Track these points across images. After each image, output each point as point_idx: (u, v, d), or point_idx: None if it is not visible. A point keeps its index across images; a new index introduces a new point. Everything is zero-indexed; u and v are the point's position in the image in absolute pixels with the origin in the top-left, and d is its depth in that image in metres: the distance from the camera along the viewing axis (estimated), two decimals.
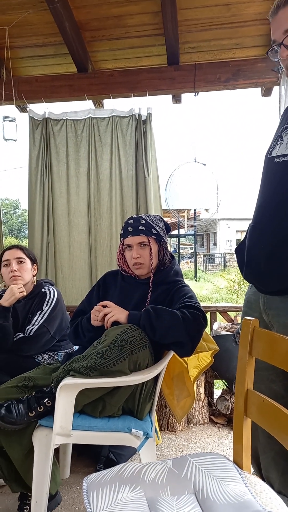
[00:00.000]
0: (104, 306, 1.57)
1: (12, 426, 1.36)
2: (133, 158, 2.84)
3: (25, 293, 1.92)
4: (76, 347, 1.91)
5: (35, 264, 2.06)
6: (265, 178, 1.31)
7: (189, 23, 2.48)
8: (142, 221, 1.67)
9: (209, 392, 2.65)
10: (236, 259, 1.43)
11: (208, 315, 2.86)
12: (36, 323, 1.88)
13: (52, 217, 2.91)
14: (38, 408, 1.39)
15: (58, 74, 2.93)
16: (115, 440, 1.46)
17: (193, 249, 20.58)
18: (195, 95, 2.76)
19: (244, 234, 1.41)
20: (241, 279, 7.02)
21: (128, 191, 2.86)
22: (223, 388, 2.68)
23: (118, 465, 1.09)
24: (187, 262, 22.34)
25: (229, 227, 26.11)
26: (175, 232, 20.40)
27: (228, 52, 2.70)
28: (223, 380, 2.66)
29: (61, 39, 2.63)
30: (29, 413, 1.38)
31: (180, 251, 21.13)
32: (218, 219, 24.75)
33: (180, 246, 21.46)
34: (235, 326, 2.72)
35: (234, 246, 25.34)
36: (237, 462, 1.13)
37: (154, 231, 1.67)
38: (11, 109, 2.97)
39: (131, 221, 1.69)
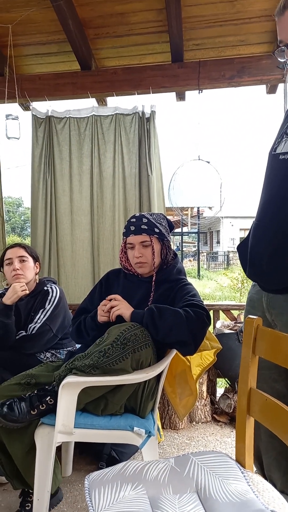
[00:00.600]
0: (111, 299, 1.58)
1: (14, 424, 1.36)
2: (136, 156, 2.83)
3: (27, 292, 1.92)
4: (78, 345, 1.91)
5: (37, 262, 2.05)
6: (269, 175, 1.31)
7: (194, 20, 2.47)
8: (145, 220, 1.67)
9: (211, 390, 2.64)
10: (238, 257, 1.43)
11: (211, 313, 2.84)
12: (39, 321, 1.88)
13: (55, 215, 2.91)
14: (40, 406, 1.39)
15: (62, 72, 2.92)
16: (117, 438, 1.46)
17: (196, 247, 20.55)
18: (199, 92, 2.74)
19: (247, 232, 1.40)
20: (244, 277, 7.01)
21: (131, 189, 2.85)
22: (225, 387, 2.68)
23: (120, 463, 1.09)
24: (190, 260, 22.31)
25: (232, 225, 26.04)
26: (178, 230, 20.38)
27: (232, 49, 2.68)
28: (226, 379, 2.66)
29: (64, 37, 2.62)
30: (31, 411, 1.38)
31: (183, 249, 21.12)
32: (222, 217, 24.68)
33: (184, 244, 21.44)
34: (238, 324, 2.72)
35: (237, 244, 25.21)
36: (240, 461, 1.13)
37: (156, 230, 1.66)
38: (14, 107, 2.97)
39: (134, 219, 1.69)
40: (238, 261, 1.46)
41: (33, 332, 1.86)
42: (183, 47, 2.62)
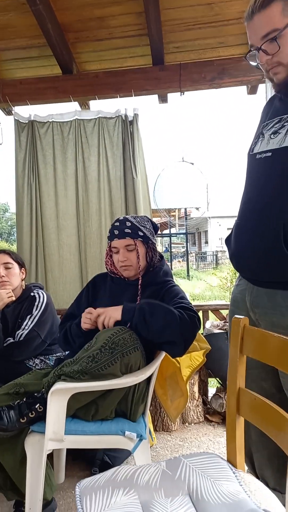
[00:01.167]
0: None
1: (3, 433, 1.35)
2: (120, 159, 2.83)
3: (13, 298, 1.90)
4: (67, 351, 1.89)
5: (23, 268, 2.04)
6: (249, 175, 1.32)
7: (173, 23, 2.48)
8: (128, 224, 1.67)
9: (203, 390, 2.65)
10: (227, 249, 1.44)
11: (200, 314, 2.86)
12: (26, 327, 1.86)
13: (41, 220, 2.88)
14: (30, 414, 1.38)
15: (43, 76, 2.90)
16: (108, 443, 1.46)
17: (185, 248, 20.63)
18: (181, 94, 2.76)
19: None
20: (233, 276, 7.05)
21: (117, 192, 2.84)
22: (217, 387, 2.69)
23: (111, 469, 1.08)
24: (179, 261, 22.38)
25: (220, 225, 26.21)
26: (166, 231, 20.42)
27: (212, 51, 2.70)
28: (217, 378, 2.67)
29: (44, 41, 2.61)
30: (21, 419, 1.36)
31: (172, 250, 21.16)
32: (209, 217, 24.84)
33: (172, 245, 21.49)
34: (227, 324, 2.73)
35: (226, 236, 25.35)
36: (231, 461, 1.13)
37: (140, 233, 1.66)
38: None
39: (117, 223, 1.69)
40: (227, 261, 1.48)
41: (21, 338, 1.84)
42: (163, 50, 2.64)
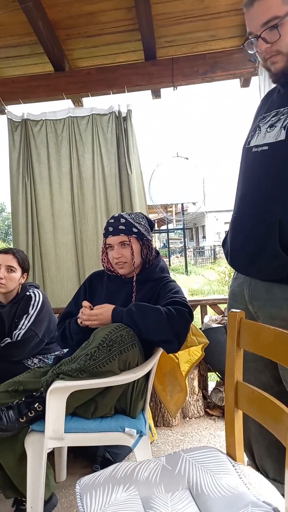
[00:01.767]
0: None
1: (3, 433, 1.35)
2: (115, 155, 2.82)
3: None
4: (66, 350, 1.89)
5: (25, 273, 2.01)
6: (244, 169, 1.32)
7: (163, 17, 2.46)
8: (122, 220, 1.67)
9: (203, 385, 2.66)
10: (223, 251, 1.44)
11: (198, 308, 2.87)
12: (23, 327, 1.86)
13: (36, 219, 2.87)
14: (29, 413, 1.38)
15: (35, 74, 2.88)
16: (109, 440, 1.46)
17: (183, 243, 20.63)
18: (173, 89, 2.74)
19: None
20: (231, 271, 7.05)
21: (112, 189, 2.84)
22: (216, 381, 2.69)
23: (111, 466, 1.09)
24: (177, 257, 22.38)
25: (217, 220, 26.21)
26: (163, 227, 20.42)
27: (204, 45, 2.68)
28: (216, 373, 2.68)
29: (35, 39, 2.59)
30: (20, 419, 1.36)
31: (170, 246, 21.16)
32: (206, 212, 24.83)
33: (170, 241, 21.49)
34: (225, 318, 2.73)
35: (223, 238, 25.39)
36: (231, 454, 1.13)
37: (135, 230, 1.66)
38: None
39: (112, 220, 1.69)
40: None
41: (18, 338, 1.84)
42: (155, 44, 2.62)
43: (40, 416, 1.39)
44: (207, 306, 2.88)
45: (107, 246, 1.70)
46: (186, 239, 21.55)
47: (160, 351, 1.58)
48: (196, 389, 2.53)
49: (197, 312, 2.74)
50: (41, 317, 1.90)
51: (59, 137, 2.86)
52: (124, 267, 1.66)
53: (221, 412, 2.53)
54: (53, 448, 1.52)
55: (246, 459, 1.40)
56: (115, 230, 1.65)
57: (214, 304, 2.88)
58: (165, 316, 1.45)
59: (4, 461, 1.45)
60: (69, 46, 2.72)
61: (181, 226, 19.86)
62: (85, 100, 3.03)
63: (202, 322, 2.75)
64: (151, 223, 1.77)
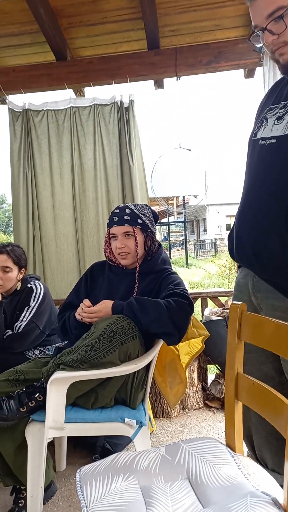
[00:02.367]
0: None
1: (3, 423, 1.36)
2: (117, 146, 2.80)
3: None
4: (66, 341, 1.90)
5: (23, 269, 2.00)
6: (251, 161, 1.30)
7: (167, 5, 2.42)
8: (128, 211, 1.66)
9: (202, 377, 2.67)
10: (227, 244, 1.43)
11: (199, 301, 2.87)
12: (24, 319, 1.86)
13: (37, 210, 2.86)
14: (30, 403, 1.38)
15: (36, 63, 2.85)
16: (109, 430, 1.47)
17: (184, 236, 20.60)
18: (177, 79, 2.71)
19: (233, 219, 1.40)
20: (231, 264, 7.05)
21: (114, 180, 2.82)
22: (216, 373, 2.71)
23: (111, 456, 1.09)
24: (178, 250, 22.37)
25: (218, 213, 26.15)
26: (164, 220, 20.37)
27: (208, 34, 2.65)
28: (216, 365, 2.69)
29: (37, 27, 2.55)
30: (21, 409, 1.37)
31: (171, 238, 21.14)
32: (207, 205, 24.76)
33: (171, 233, 21.45)
34: (226, 310, 2.73)
35: (224, 231, 25.41)
36: (230, 445, 1.14)
37: (139, 221, 1.65)
38: None
39: (117, 210, 1.68)
40: (225, 248, 1.47)
41: (20, 330, 1.84)
42: (158, 33, 2.58)
43: (41, 406, 1.40)
44: (208, 298, 2.88)
45: (110, 236, 1.70)
46: (187, 232, 21.51)
47: (161, 342, 1.58)
48: (196, 381, 2.54)
49: (197, 305, 2.74)
50: (42, 309, 1.90)
51: (61, 128, 2.84)
52: (127, 258, 1.66)
53: (220, 404, 2.54)
54: (53, 438, 1.52)
55: (245, 450, 1.41)
56: (120, 220, 1.64)
57: (214, 297, 2.88)
58: (165, 309, 1.45)
59: (3, 449, 1.47)
60: (71, 34, 2.68)
61: (182, 219, 19.82)
62: (87, 90, 3.00)
63: (203, 314, 2.75)
64: (155, 216, 1.76)
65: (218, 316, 2.65)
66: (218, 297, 2.90)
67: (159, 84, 2.90)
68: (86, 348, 1.37)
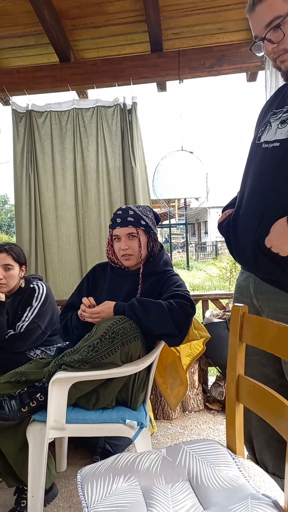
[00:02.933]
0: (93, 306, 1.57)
1: (5, 422, 1.36)
2: (119, 148, 2.80)
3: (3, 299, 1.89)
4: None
5: (24, 266, 2.01)
6: (253, 164, 1.31)
7: (171, 8, 2.44)
8: (131, 212, 1.66)
9: (203, 379, 2.67)
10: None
11: (200, 303, 2.87)
12: (27, 319, 1.87)
13: (40, 211, 2.87)
14: (31, 403, 1.39)
15: (40, 64, 2.87)
16: (109, 431, 1.47)
17: (185, 239, 20.59)
18: (179, 82, 2.72)
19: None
20: (233, 266, 7.05)
21: (116, 182, 2.83)
22: (217, 375, 2.70)
23: (112, 456, 1.10)
24: (179, 252, 22.35)
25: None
26: (166, 222, 20.37)
27: (211, 37, 2.66)
28: (217, 367, 2.69)
29: (41, 29, 2.57)
30: (22, 409, 1.37)
31: (172, 241, 21.13)
32: (209, 208, 24.74)
33: (172, 236, 21.45)
34: (227, 313, 2.74)
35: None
36: (231, 447, 1.14)
37: (143, 222, 1.66)
38: None
39: (120, 212, 1.68)
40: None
41: (22, 330, 1.85)
42: (162, 36, 2.60)
43: (42, 406, 1.40)
44: (209, 301, 2.88)
45: (113, 237, 1.70)
46: (188, 234, 21.51)
47: (162, 344, 1.58)
48: (196, 383, 2.54)
49: (198, 307, 2.74)
50: (44, 309, 1.91)
51: (64, 129, 2.85)
52: (130, 259, 1.66)
53: (220, 407, 2.54)
54: (54, 438, 1.52)
55: (245, 452, 1.41)
56: (123, 221, 1.65)
57: (215, 299, 2.88)
58: (167, 310, 1.45)
59: (5, 449, 1.47)
60: (75, 36, 2.70)
61: (183, 221, 19.81)
62: (90, 92, 3.01)
63: (203, 317, 2.75)
64: (157, 217, 1.77)
65: (219, 318, 2.65)
66: (219, 300, 2.90)
67: (161, 87, 2.91)
68: (87, 348, 1.38)
